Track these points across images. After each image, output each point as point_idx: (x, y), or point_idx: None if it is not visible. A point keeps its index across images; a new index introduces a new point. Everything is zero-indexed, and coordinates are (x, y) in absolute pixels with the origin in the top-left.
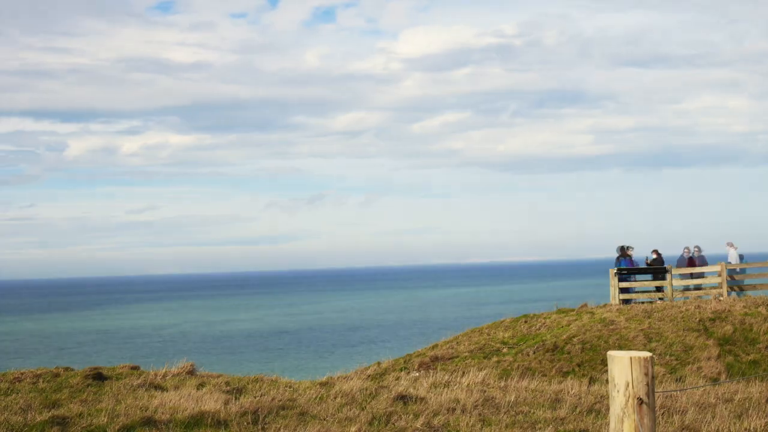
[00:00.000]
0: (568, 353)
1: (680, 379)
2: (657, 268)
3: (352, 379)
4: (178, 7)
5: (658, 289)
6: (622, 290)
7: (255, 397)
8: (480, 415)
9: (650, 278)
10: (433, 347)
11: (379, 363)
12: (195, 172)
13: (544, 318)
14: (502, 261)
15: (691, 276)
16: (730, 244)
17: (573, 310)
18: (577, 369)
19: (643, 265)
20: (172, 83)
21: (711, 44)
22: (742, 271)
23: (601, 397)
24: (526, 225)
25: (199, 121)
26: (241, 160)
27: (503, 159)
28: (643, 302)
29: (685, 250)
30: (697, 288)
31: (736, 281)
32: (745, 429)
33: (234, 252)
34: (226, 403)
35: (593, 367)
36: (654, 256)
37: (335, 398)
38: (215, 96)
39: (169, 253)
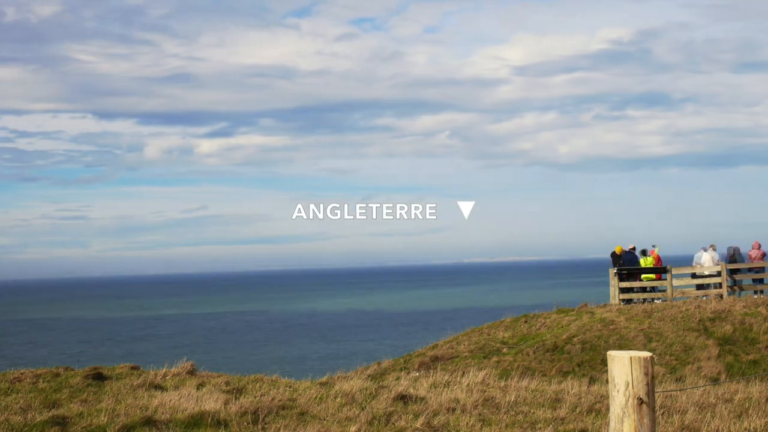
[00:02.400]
0: (568, 353)
1: (680, 379)
2: (657, 268)
3: (352, 379)
4: (310, 13)
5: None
6: (623, 290)
7: (255, 397)
8: (480, 415)
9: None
10: (433, 347)
11: (379, 363)
12: (255, 172)
13: (544, 318)
14: (546, 258)
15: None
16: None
17: (573, 310)
18: (577, 369)
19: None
20: (286, 87)
21: None
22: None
23: (601, 397)
24: (570, 222)
25: (291, 122)
26: (309, 160)
27: (567, 159)
28: (643, 302)
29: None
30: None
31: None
32: (745, 429)
33: (259, 250)
34: (226, 403)
35: (593, 367)
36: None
37: (335, 398)
38: (320, 100)
39: (183, 253)
